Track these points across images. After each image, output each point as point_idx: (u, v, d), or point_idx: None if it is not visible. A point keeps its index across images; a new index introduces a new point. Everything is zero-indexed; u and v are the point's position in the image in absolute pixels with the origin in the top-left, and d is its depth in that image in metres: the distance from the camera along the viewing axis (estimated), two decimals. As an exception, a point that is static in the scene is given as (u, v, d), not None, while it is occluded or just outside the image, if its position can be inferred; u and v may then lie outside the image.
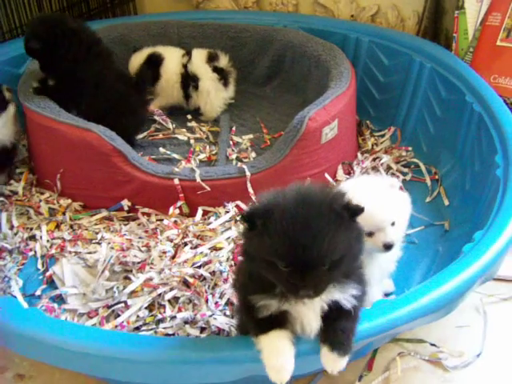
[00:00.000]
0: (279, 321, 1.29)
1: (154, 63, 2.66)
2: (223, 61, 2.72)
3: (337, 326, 1.29)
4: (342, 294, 1.28)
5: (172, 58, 2.70)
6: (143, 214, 2.15)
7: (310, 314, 1.28)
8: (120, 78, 2.44)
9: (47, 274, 1.97)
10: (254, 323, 1.31)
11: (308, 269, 1.16)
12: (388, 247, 1.55)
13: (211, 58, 2.70)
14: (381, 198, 1.55)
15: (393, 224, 1.56)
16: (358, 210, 1.22)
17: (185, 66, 2.70)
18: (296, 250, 1.14)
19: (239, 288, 1.40)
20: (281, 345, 1.27)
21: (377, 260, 1.65)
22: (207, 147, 2.48)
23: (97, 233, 2.10)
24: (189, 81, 2.69)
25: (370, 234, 1.55)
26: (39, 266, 2.02)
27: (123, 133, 2.19)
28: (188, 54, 2.73)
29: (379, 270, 1.70)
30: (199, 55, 2.71)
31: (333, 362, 1.26)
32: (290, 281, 1.17)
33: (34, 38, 2.23)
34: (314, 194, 1.21)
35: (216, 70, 2.69)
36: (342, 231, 1.18)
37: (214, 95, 2.69)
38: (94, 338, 1.33)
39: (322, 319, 1.30)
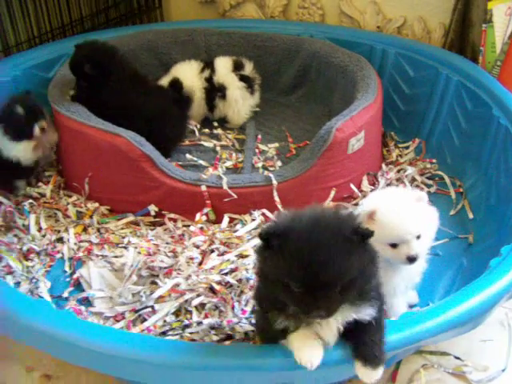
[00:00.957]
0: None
1: (176, 89, 2.67)
2: (248, 68, 2.75)
3: (363, 340, 1.33)
4: (357, 314, 1.31)
5: (190, 78, 2.72)
6: (170, 219, 2.17)
7: (327, 333, 1.33)
8: (159, 94, 2.51)
9: (74, 276, 2.00)
10: (279, 332, 1.34)
11: (320, 291, 1.21)
12: (411, 260, 1.56)
13: (237, 67, 2.72)
14: (406, 210, 1.56)
15: (418, 237, 1.57)
16: (368, 234, 1.26)
17: (208, 79, 2.72)
18: (309, 273, 1.19)
19: (258, 303, 1.44)
20: (308, 335, 1.32)
21: (401, 272, 1.66)
22: (233, 155, 2.50)
23: (123, 237, 2.12)
24: (214, 92, 2.72)
25: (394, 246, 1.56)
26: (66, 268, 2.05)
27: (162, 149, 2.24)
28: (208, 64, 2.75)
29: (404, 282, 1.71)
30: (224, 64, 2.74)
31: (368, 375, 1.31)
32: (303, 302, 1.22)
33: (88, 62, 2.31)
34: (328, 219, 1.26)
35: (242, 78, 2.72)
36: (353, 255, 1.22)
37: (241, 103, 2.71)
38: (126, 341, 1.35)
39: (345, 333, 1.33)
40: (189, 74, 2.73)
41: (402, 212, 1.55)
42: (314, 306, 1.22)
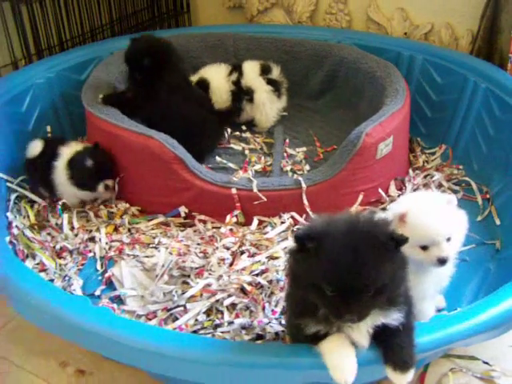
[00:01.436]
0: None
1: (202, 88, 2.71)
2: (275, 72, 2.79)
3: (392, 345, 1.35)
4: (385, 319, 1.33)
5: (218, 79, 2.76)
6: (199, 220, 2.20)
7: (357, 336, 1.34)
8: (199, 101, 2.56)
9: (106, 275, 2.03)
10: (310, 338, 1.36)
11: (353, 295, 1.23)
12: (442, 262, 1.57)
13: (264, 71, 2.76)
14: (438, 212, 1.57)
15: (448, 240, 1.58)
16: (403, 241, 1.28)
17: (235, 83, 2.76)
18: (343, 277, 1.21)
19: (289, 307, 1.48)
20: (342, 346, 1.33)
21: (431, 275, 1.67)
22: (262, 158, 2.53)
23: (154, 237, 2.15)
24: (242, 95, 2.76)
25: (425, 248, 1.57)
26: (98, 267, 2.08)
27: (197, 154, 2.30)
28: (236, 68, 2.79)
29: (433, 285, 1.73)
30: (252, 68, 2.77)
31: (399, 379, 1.33)
32: (335, 305, 1.24)
33: (149, 56, 2.34)
34: (363, 224, 1.28)
35: (270, 82, 2.75)
36: (387, 261, 1.24)
37: (268, 107, 2.75)
38: (164, 338, 1.38)
39: (375, 337, 1.35)
40: (217, 75, 2.77)
41: (432, 214, 1.56)
42: (346, 310, 1.23)
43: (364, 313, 1.26)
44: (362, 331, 1.34)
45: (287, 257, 1.36)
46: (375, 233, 1.26)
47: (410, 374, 1.32)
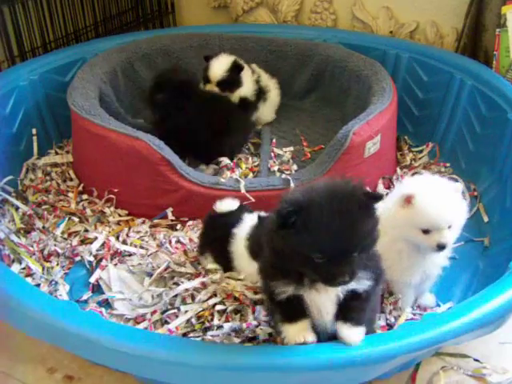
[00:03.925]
0: (302, 311, 1.41)
1: (237, 69, 2.66)
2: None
3: (351, 306, 1.41)
4: (356, 284, 1.38)
5: (248, 70, 2.75)
6: (184, 222, 2.19)
7: (326, 302, 1.40)
8: (223, 106, 2.55)
9: (93, 278, 2.01)
10: (280, 308, 1.44)
11: (344, 257, 1.27)
12: (441, 248, 1.61)
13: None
14: (445, 199, 1.60)
15: (449, 227, 1.61)
16: (380, 197, 1.34)
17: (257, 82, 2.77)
18: (334, 242, 1.24)
19: (263, 277, 1.50)
20: (304, 326, 1.41)
21: (424, 259, 1.71)
22: (249, 158, 2.51)
23: (142, 240, 2.14)
24: (261, 94, 2.77)
25: (426, 232, 1.60)
26: (85, 271, 2.06)
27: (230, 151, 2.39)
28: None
29: (421, 274, 1.75)
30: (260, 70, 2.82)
31: (347, 331, 1.39)
32: (327, 271, 1.27)
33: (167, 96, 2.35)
34: (340, 188, 1.32)
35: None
36: (368, 218, 1.30)
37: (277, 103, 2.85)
38: (156, 342, 1.37)
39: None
40: (249, 78, 2.75)
41: (440, 199, 1.59)
42: (339, 273, 1.27)
43: (354, 272, 1.29)
44: (330, 296, 1.38)
45: (266, 236, 1.39)
46: (354, 193, 1.30)
47: (358, 331, 1.39)
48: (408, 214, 1.61)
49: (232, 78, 2.61)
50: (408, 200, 1.60)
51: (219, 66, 2.62)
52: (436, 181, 1.71)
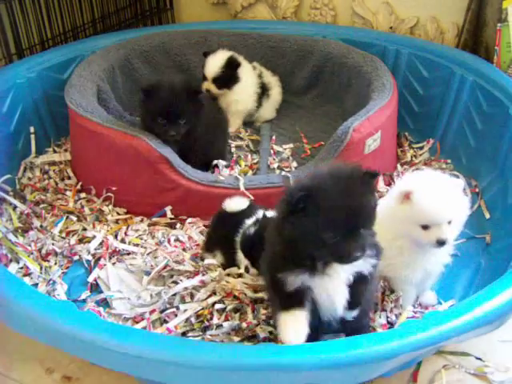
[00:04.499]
0: (300, 300, 1.44)
1: (234, 65, 2.63)
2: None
3: (356, 290, 1.48)
4: (364, 264, 1.44)
5: (248, 65, 2.74)
6: (183, 220, 2.18)
7: (339, 286, 1.45)
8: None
9: (92, 278, 1.99)
10: (280, 298, 1.47)
11: (353, 234, 1.33)
12: (441, 243, 1.60)
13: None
14: (443, 194, 1.60)
15: (449, 223, 1.60)
16: (377, 174, 1.40)
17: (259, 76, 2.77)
18: (346, 221, 1.31)
19: (271, 271, 1.50)
20: (298, 316, 1.43)
21: (426, 257, 1.70)
22: (248, 156, 2.49)
23: (141, 239, 2.12)
24: (264, 91, 2.77)
25: (426, 228, 1.60)
26: (84, 270, 2.04)
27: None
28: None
29: (423, 272, 1.74)
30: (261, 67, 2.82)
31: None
32: (341, 249, 1.33)
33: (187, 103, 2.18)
34: (343, 170, 1.38)
35: None
36: (370, 194, 1.37)
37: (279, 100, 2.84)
38: (154, 342, 1.35)
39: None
40: (249, 74, 2.74)
41: (439, 195, 1.58)
42: (353, 250, 1.33)
43: (364, 247, 1.35)
44: (342, 279, 1.43)
45: (275, 228, 1.42)
46: (355, 173, 1.36)
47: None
48: (407, 210, 1.60)
49: (227, 75, 2.59)
50: (407, 196, 1.59)
51: (214, 63, 2.60)
52: (435, 177, 1.69)
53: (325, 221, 1.30)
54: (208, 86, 2.59)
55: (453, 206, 1.59)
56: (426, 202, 1.57)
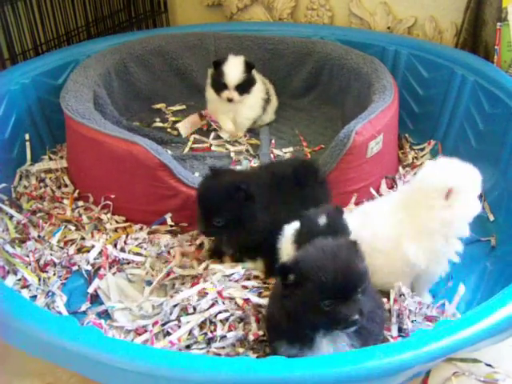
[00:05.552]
0: None
1: (250, 68, 2.58)
2: None
3: None
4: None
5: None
6: (183, 227, 2.14)
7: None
8: None
9: (92, 288, 1.95)
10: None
11: (350, 299, 1.33)
12: None
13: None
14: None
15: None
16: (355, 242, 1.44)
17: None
18: (341, 287, 1.32)
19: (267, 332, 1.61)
20: None
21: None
22: (249, 160, 2.46)
23: (141, 247, 2.08)
24: (268, 97, 2.74)
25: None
26: (83, 280, 2.00)
27: None
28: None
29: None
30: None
31: None
32: (338, 315, 1.33)
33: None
34: (329, 242, 1.41)
35: None
36: (360, 257, 1.39)
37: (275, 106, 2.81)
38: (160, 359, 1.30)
39: None
40: (257, 76, 2.70)
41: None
42: (350, 314, 1.32)
43: (363, 311, 1.35)
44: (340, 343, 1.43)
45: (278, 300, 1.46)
46: (342, 241, 1.42)
47: None
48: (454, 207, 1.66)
49: (248, 78, 2.55)
50: (448, 196, 1.65)
51: (235, 69, 2.53)
52: (462, 165, 1.75)
53: (317, 286, 1.32)
54: (230, 94, 2.53)
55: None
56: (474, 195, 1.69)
